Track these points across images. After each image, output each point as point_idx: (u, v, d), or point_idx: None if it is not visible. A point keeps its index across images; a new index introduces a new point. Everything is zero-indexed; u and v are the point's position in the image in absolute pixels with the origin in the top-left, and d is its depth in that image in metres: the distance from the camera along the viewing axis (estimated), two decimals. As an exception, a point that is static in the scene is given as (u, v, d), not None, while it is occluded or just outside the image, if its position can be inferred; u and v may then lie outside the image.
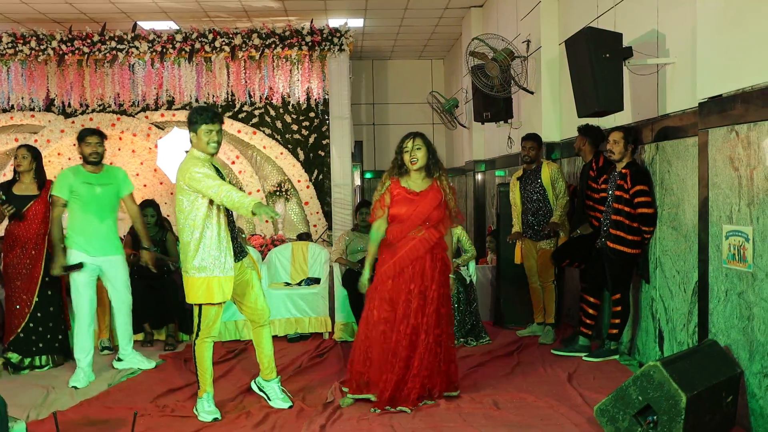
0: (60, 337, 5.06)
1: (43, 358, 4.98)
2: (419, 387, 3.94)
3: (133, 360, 4.99)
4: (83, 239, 4.70)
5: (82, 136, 4.83)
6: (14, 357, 4.89)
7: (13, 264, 4.94)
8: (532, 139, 5.77)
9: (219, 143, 3.82)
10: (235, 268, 3.84)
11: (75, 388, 4.53)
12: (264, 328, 4.07)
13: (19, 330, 4.90)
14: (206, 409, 3.88)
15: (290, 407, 4.01)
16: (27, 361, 4.92)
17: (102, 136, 4.89)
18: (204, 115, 3.77)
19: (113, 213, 4.89)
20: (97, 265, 4.76)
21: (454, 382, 4.15)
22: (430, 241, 3.97)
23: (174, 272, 5.82)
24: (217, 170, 3.84)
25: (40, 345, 4.96)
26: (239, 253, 3.92)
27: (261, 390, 4.14)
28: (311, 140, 9.63)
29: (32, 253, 4.94)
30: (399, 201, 3.99)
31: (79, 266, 4.64)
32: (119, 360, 5.01)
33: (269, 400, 4.08)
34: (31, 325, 4.92)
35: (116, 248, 4.88)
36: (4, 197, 4.87)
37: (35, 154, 5.05)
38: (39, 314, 4.95)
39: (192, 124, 3.79)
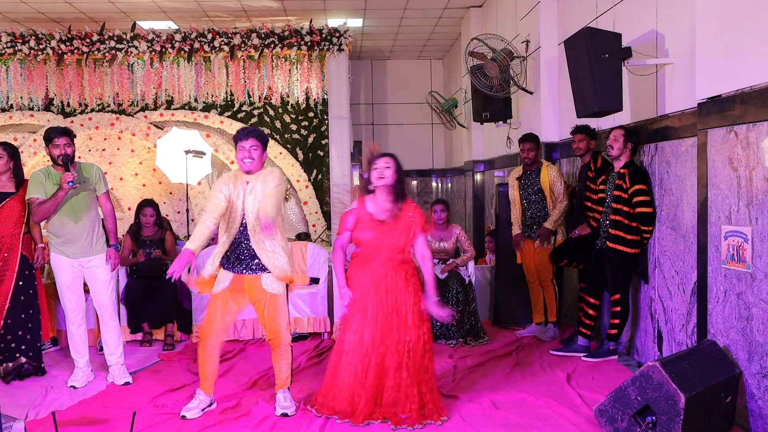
0: (38, 345, 4.81)
1: (11, 363, 4.71)
2: (400, 406, 3.76)
3: (112, 374, 4.68)
4: (60, 241, 4.51)
5: (50, 136, 4.46)
6: None
7: None
8: (530, 140, 5.76)
9: (253, 159, 3.87)
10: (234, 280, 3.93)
11: (74, 387, 4.52)
12: (274, 351, 4.04)
13: None
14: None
15: (283, 415, 3.95)
16: None
17: (71, 136, 4.53)
18: (238, 133, 3.92)
19: (89, 212, 4.55)
20: (79, 266, 4.56)
21: (435, 410, 3.81)
22: (395, 259, 3.87)
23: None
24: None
25: (6, 354, 4.70)
26: (236, 265, 3.93)
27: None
28: (310, 140, 9.63)
29: (4, 255, 4.66)
30: (365, 226, 3.89)
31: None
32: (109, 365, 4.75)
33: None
34: (1, 332, 4.67)
35: (96, 249, 4.57)
36: None
37: (11, 153, 4.78)
38: (9, 321, 4.69)
39: (234, 141, 3.99)
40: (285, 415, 3.93)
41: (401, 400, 3.76)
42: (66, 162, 4.42)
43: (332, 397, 3.87)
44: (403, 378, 3.77)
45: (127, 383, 4.60)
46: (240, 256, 3.91)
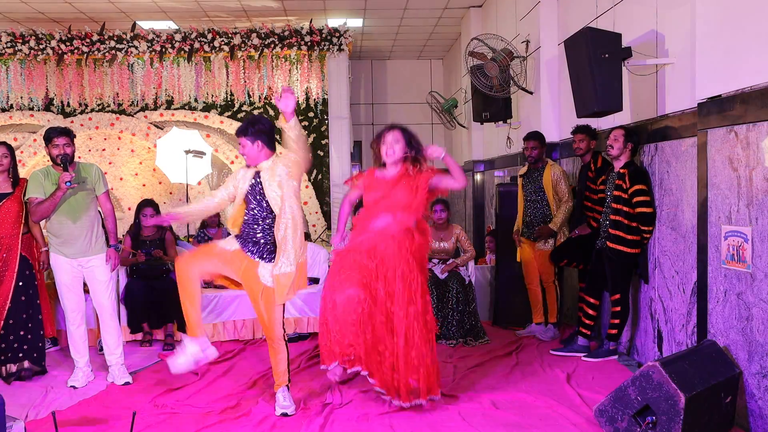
0: (39, 344, 4.80)
1: (14, 366, 4.69)
2: (408, 377, 3.84)
3: (112, 374, 4.67)
4: (59, 241, 4.50)
5: (50, 136, 4.47)
6: None
7: None
8: (533, 138, 5.74)
9: (244, 156, 3.98)
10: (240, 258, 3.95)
11: (74, 387, 4.52)
12: (269, 345, 4.04)
13: None
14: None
15: (283, 414, 3.96)
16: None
17: (71, 136, 4.53)
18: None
19: (88, 212, 4.54)
20: (79, 266, 4.55)
21: (435, 383, 3.94)
22: (405, 222, 3.90)
23: (173, 272, 5.82)
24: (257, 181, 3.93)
25: (9, 355, 4.69)
26: (245, 247, 3.96)
27: None
28: (310, 140, 9.62)
29: (3, 256, 4.64)
30: (371, 187, 3.98)
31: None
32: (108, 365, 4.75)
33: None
34: (2, 332, 4.65)
35: (95, 249, 4.57)
36: None
37: (12, 153, 4.80)
38: (11, 321, 4.67)
39: None
40: (285, 414, 3.93)
41: (400, 368, 3.81)
42: (65, 162, 4.42)
43: (336, 343, 3.85)
44: (400, 346, 3.81)
45: (127, 383, 4.60)
46: (245, 238, 3.94)
